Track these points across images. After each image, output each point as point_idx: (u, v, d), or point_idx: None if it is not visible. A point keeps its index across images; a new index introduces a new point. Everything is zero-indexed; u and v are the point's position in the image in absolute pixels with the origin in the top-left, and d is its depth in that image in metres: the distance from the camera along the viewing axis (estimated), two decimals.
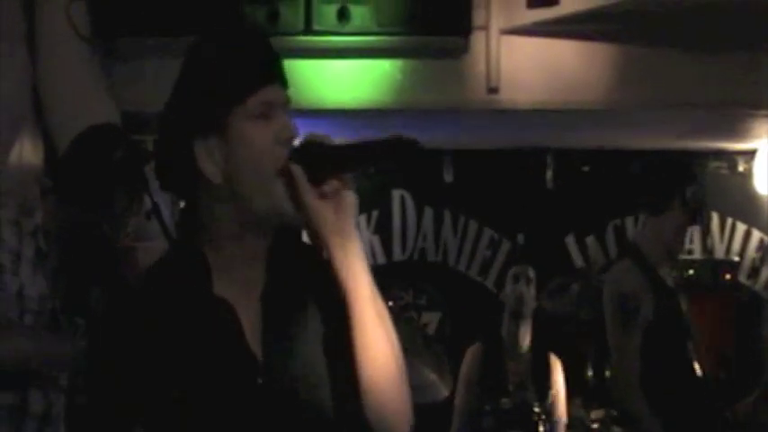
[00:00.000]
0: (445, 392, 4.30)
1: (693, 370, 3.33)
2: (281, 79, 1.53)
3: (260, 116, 1.49)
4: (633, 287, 3.32)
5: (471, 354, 4.46)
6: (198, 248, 1.56)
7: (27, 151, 4.21)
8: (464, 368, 4.43)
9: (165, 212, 2.65)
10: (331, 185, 1.50)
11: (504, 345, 4.37)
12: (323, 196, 1.49)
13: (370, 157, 1.52)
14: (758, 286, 6.49)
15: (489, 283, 6.43)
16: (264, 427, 1.52)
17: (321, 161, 1.48)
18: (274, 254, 1.58)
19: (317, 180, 1.48)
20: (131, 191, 2.77)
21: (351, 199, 1.51)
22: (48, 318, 2.70)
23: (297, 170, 1.47)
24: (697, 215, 3.44)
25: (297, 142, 1.53)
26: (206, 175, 1.49)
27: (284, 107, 1.53)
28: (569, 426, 4.33)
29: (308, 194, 1.47)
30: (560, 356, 4.55)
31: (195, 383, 1.50)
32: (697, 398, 3.30)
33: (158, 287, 1.57)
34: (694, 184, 3.46)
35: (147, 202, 2.60)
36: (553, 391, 4.31)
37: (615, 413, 3.62)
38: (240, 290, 1.56)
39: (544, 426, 4.16)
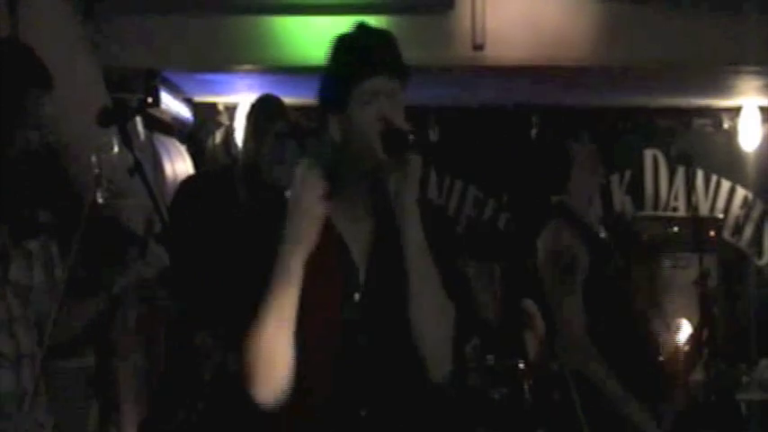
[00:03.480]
0: None
1: (634, 322, 3.37)
2: (387, 71, 1.91)
3: (365, 102, 1.90)
4: (566, 243, 3.33)
5: None
6: None
7: None
8: None
9: (148, 169, 2.64)
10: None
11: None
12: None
13: None
14: (742, 243, 6.53)
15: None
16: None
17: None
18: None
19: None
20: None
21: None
22: None
23: (415, 161, 1.86)
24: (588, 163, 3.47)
25: None
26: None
27: (388, 94, 1.91)
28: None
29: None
30: None
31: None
32: (641, 347, 3.34)
33: None
34: (579, 139, 3.47)
35: (130, 159, 2.58)
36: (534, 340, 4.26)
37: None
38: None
39: (527, 383, 4.17)
